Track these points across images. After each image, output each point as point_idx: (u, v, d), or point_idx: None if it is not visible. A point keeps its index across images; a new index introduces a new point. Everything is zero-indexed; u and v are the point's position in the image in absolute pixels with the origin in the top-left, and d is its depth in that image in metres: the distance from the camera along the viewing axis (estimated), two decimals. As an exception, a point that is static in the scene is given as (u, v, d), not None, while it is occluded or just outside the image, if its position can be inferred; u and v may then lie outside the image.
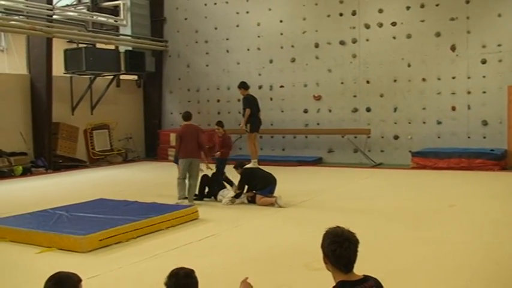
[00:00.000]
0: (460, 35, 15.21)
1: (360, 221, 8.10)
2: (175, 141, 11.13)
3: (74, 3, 19.02)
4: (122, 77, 19.42)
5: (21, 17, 15.96)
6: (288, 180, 12.15)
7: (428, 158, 14.73)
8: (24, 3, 15.83)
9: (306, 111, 17.48)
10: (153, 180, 13.74)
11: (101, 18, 18.64)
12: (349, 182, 12.90)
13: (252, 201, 10.28)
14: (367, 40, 16.40)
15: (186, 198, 10.32)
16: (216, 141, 12.14)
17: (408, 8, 15.83)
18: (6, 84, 16.08)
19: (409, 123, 16.02)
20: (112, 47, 18.56)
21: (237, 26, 18.54)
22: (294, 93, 17.62)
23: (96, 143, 18.29)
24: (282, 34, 17.72)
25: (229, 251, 7.12)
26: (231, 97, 18.54)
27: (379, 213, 9.19)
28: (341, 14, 16.73)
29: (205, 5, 19.12)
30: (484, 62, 14.96)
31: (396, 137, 16.22)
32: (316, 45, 17.16)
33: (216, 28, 18.95)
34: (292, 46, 17.57)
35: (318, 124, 17.31)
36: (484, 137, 15.06)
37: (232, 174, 10.81)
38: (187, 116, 11.02)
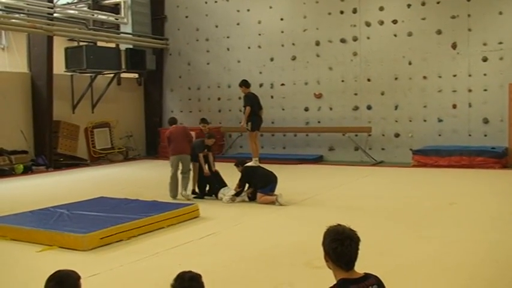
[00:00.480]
0: (461, 32, 15.19)
1: (361, 219, 8.09)
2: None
3: (75, 1, 19.01)
4: (123, 75, 19.43)
5: (22, 15, 15.96)
6: (289, 179, 12.14)
7: (429, 156, 14.72)
8: (25, 1, 15.83)
9: (306, 109, 17.47)
10: (154, 179, 13.74)
11: (102, 16, 18.63)
12: (350, 180, 12.90)
13: (252, 198, 10.28)
14: (368, 38, 16.38)
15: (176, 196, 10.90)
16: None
17: (409, 5, 15.80)
18: (7, 83, 16.09)
19: (410, 121, 16.01)
20: (113, 45, 18.56)
21: (238, 24, 18.53)
22: (295, 91, 17.62)
23: (96, 141, 18.30)
24: (282, 32, 17.70)
25: (230, 249, 7.12)
26: (231, 95, 18.53)
27: (380, 211, 9.19)
28: (342, 12, 16.71)
29: (206, 3, 19.11)
30: (485, 59, 14.94)
31: (397, 135, 16.21)
32: (317, 43, 17.14)
33: (216, 26, 18.94)
34: (293, 44, 17.56)
35: (318, 122, 17.31)
36: (485, 135, 15.05)
37: (233, 172, 10.80)
38: (172, 121, 11.77)
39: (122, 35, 18.88)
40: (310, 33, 17.24)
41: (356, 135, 16.66)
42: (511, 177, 12.83)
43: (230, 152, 18.22)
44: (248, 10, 18.31)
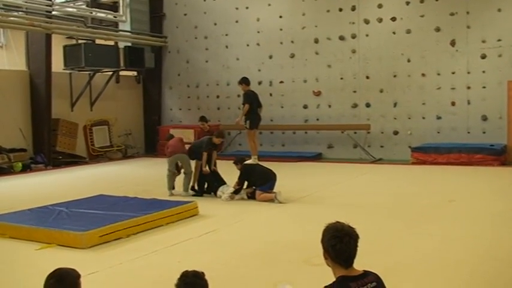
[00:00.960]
0: (459, 30, 15.19)
1: (360, 216, 8.09)
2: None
3: (73, -1, 18.99)
4: (121, 73, 19.40)
5: (20, 13, 15.91)
6: (288, 176, 12.14)
7: (428, 153, 14.73)
8: (23, -1, 15.81)
9: (305, 106, 17.47)
10: (153, 176, 13.73)
11: (100, 14, 18.60)
12: (349, 178, 12.90)
13: (251, 197, 10.29)
14: (367, 35, 16.38)
15: (173, 188, 11.12)
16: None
17: (408, 3, 15.80)
18: (5, 81, 16.06)
19: (409, 118, 16.01)
20: (111, 43, 18.53)
21: (237, 21, 18.52)
22: (294, 88, 17.61)
23: (95, 139, 18.29)
24: (281, 30, 17.69)
25: (229, 246, 7.12)
26: (230, 93, 18.53)
27: (379, 208, 9.20)
28: (340, 9, 16.70)
29: (205, 0, 19.09)
30: (483, 57, 14.95)
31: (396, 133, 16.21)
32: (316, 41, 17.13)
33: (215, 24, 18.93)
34: (292, 42, 17.55)
35: (317, 120, 17.31)
36: (484, 132, 15.06)
37: (231, 169, 10.80)
38: (169, 138, 11.84)
39: (120, 32, 18.86)
40: (309, 31, 17.23)
41: (355, 133, 16.66)
42: (509, 174, 12.84)
43: (229, 150, 18.22)
44: (247, 8, 18.30)
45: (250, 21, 18.23)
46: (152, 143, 19.79)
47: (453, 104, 15.41)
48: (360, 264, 3.06)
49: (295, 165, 15.26)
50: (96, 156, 18.21)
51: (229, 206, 9.95)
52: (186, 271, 3.19)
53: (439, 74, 15.53)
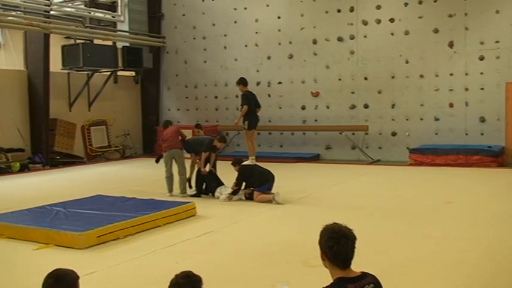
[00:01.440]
0: (458, 31, 15.21)
1: (358, 217, 8.10)
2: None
3: (71, -1, 18.99)
4: (120, 73, 19.40)
5: (18, 12, 15.91)
6: (286, 177, 12.15)
7: (426, 155, 14.74)
8: (22, -1, 15.80)
9: (303, 107, 17.48)
10: (151, 177, 13.72)
11: (99, 14, 18.60)
12: (347, 179, 12.91)
13: (249, 198, 10.28)
14: (365, 36, 16.39)
15: (172, 191, 11.05)
16: None
17: (406, 4, 15.81)
18: (3, 80, 16.05)
19: (407, 119, 16.02)
20: (109, 43, 18.53)
21: (235, 22, 18.52)
22: (292, 89, 17.62)
23: (93, 139, 18.28)
24: (279, 30, 17.70)
25: (227, 247, 7.12)
26: (228, 93, 18.54)
27: (377, 209, 9.20)
28: (339, 11, 16.71)
29: (203, 1, 19.09)
30: (482, 58, 14.97)
31: (394, 134, 16.22)
32: (314, 42, 17.14)
33: (213, 24, 18.93)
34: (290, 42, 17.56)
35: (315, 121, 17.32)
36: (482, 134, 15.08)
37: (229, 170, 10.79)
38: (166, 125, 11.76)
39: (118, 33, 18.86)
40: (307, 32, 17.24)
41: (353, 134, 16.68)
42: (507, 175, 12.85)
43: (227, 151, 18.18)
44: (245, 8, 18.30)
45: (248, 22, 18.24)
46: (150, 143, 19.77)
47: (451, 105, 15.43)
48: (358, 265, 3.06)
49: (293, 166, 15.26)
50: (94, 156, 18.20)
51: (227, 206, 9.95)
52: (183, 271, 3.19)
53: (437, 76, 15.55)
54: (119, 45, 18.46)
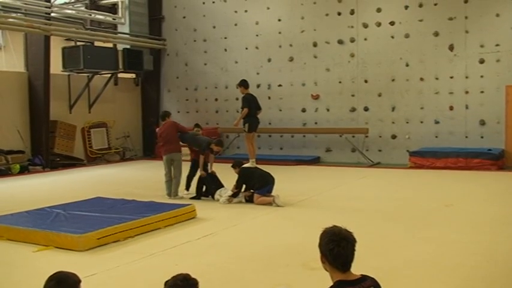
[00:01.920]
0: (458, 34, 15.22)
1: (358, 220, 8.10)
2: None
3: (72, 1, 19.00)
4: (120, 75, 19.41)
5: (19, 14, 15.94)
6: (286, 180, 12.15)
7: (426, 158, 14.74)
8: (23, 0, 15.81)
9: (304, 110, 17.49)
10: (151, 179, 13.73)
11: (99, 16, 18.62)
12: (347, 182, 12.90)
13: (249, 200, 10.28)
14: (365, 39, 16.40)
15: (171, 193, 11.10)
16: None
17: (406, 7, 15.83)
18: (3, 82, 16.06)
19: (407, 122, 16.03)
20: (110, 45, 18.53)
21: (236, 24, 18.54)
22: (292, 92, 17.63)
23: (93, 141, 18.28)
24: (280, 33, 17.72)
25: (227, 250, 7.12)
26: (229, 96, 18.55)
27: (377, 212, 9.20)
28: (339, 13, 16.73)
29: (204, 3, 19.12)
30: (482, 61, 14.97)
31: (394, 137, 16.23)
32: (315, 44, 17.16)
33: (214, 27, 18.95)
34: (291, 45, 17.57)
35: (316, 123, 17.32)
36: (482, 137, 15.08)
37: (229, 172, 10.79)
38: (163, 116, 11.77)
39: (119, 35, 18.88)
40: (308, 35, 17.26)
41: (353, 137, 16.68)
42: (507, 178, 12.85)
43: (227, 153, 18.21)
44: (246, 11, 18.32)
45: (249, 24, 18.25)
46: (150, 145, 19.78)
47: (451, 108, 15.43)
48: (358, 268, 3.06)
49: (293, 169, 15.26)
50: (94, 158, 18.20)
51: (227, 209, 9.95)
52: (176, 275, 3.20)
53: (437, 79, 15.55)
54: (120, 47, 18.48)
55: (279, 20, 17.74)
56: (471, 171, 13.84)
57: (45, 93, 16.37)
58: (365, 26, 16.38)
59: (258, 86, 17.62)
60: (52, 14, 16.85)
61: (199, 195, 10.94)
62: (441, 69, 15.48)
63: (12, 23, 15.63)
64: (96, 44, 18.24)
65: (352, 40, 16.59)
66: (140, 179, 14.45)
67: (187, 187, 11.34)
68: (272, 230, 8.33)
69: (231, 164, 10.86)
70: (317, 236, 3.07)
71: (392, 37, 16.04)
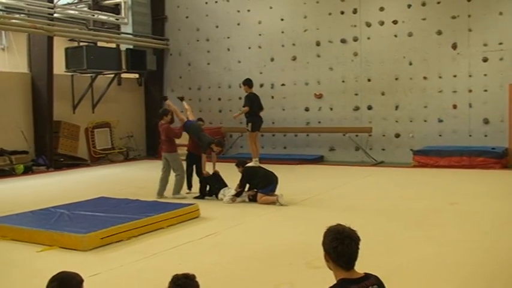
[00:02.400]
0: (461, 33, 15.19)
1: (361, 219, 8.09)
2: None
3: (75, 1, 19.01)
4: (123, 75, 19.43)
5: (22, 15, 15.97)
6: (290, 179, 12.15)
7: (430, 156, 14.72)
8: (25, 1, 15.83)
9: (307, 109, 17.48)
10: (154, 179, 13.68)
11: (102, 16, 18.64)
12: (351, 181, 12.89)
13: (253, 199, 10.28)
14: (369, 38, 16.38)
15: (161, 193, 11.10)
16: None
17: (409, 6, 15.80)
18: (7, 83, 16.09)
19: (411, 121, 16.00)
20: (113, 45, 18.56)
21: (238, 24, 18.54)
22: (295, 91, 17.62)
23: (97, 141, 18.30)
24: (283, 32, 17.71)
25: (230, 249, 7.12)
26: (232, 95, 18.55)
27: (381, 211, 9.19)
28: (342, 12, 16.71)
29: (206, 3, 19.12)
30: (485, 60, 14.94)
31: (397, 135, 16.20)
32: (318, 44, 17.15)
33: (217, 26, 18.95)
34: (294, 44, 17.56)
35: (319, 122, 17.31)
36: (486, 135, 15.05)
37: (233, 172, 10.79)
38: (160, 115, 11.87)
39: (122, 35, 18.90)
40: (311, 34, 17.25)
41: (356, 136, 16.66)
42: (511, 177, 12.82)
43: (230, 152, 18.22)
44: (248, 10, 18.32)
45: (251, 24, 18.25)
46: (154, 145, 19.78)
47: (455, 107, 15.41)
48: (361, 266, 3.06)
49: (297, 168, 15.25)
50: (98, 158, 18.22)
51: (231, 208, 9.95)
52: (177, 274, 3.20)
53: (440, 77, 15.52)
54: (123, 47, 18.50)
55: (282, 20, 17.72)
56: (475, 169, 13.81)
57: (49, 93, 16.40)
58: (368, 25, 16.36)
59: (261, 85, 17.60)
60: (55, 15, 16.87)
61: (202, 195, 10.94)
62: (444, 68, 15.45)
63: (15, 24, 15.65)
64: (99, 44, 18.25)
65: (355, 39, 16.57)
66: (144, 178, 14.44)
67: (189, 186, 11.33)
68: (275, 229, 8.33)
69: (235, 163, 10.85)
70: (320, 235, 3.07)
71: (396, 36, 16.02)
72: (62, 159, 16.93)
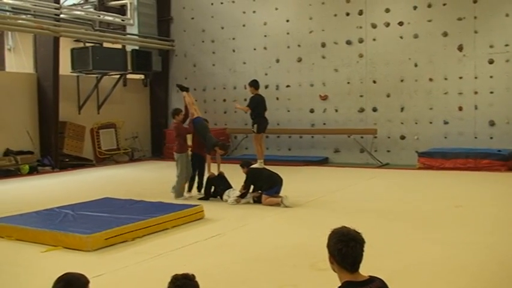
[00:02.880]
0: (467, 35, 15.14)
1: (366, 221, 8.07)
2: None
3: (81, 2, 19.06)
4: (129, 76, 19.46)
5: (28, 16, 16.02)
6: (294, 180, 12.13)
7: (435, 158, 14.67)
8: (32, 2, 15.87)
9: (312, 111, 17.46)
10: (159, 179, 13.75)
11: (108, 17, 18.69)
12: (355, 182, 12.87)
13: (257, 201, 10.27)
14: (374, 40, 16.36)
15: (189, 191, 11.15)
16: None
17: (415, 7, 15.77)
18: (13, 83, 16.14)
19: (416, 123, 15.96)
20: (119, 46, 18.59)
21: (244, 25, 18.54)
22: (300, 93, 17.60)
23: (102, 142, 18.33)
24: (288, 34, 17.70)
25: (235, 250, 7.12)
26: (237, 96, 18.52)
27: (385, 213, 9.16)
28: (348, 14, 16.69)
29: (212, 4, 19.13)
30: (491, 62, 14.89)
31: (403, 137, 16.17)
32: (323, 45, 17.13)
33: (222, 27, 18.96)
34: (299, 46, 17.55)
35: (324, 124, 17.28)
36: (491, 138, 15.00)
37: (237, 173, 10.79)
38: (172, 114, 11.69)
39: (128, 36, 18.93)
40: (316, 35, 17.23)
41: (361, 137, 16.63)
42: (517, 180, 12.77)
43: (235, 154, 18.22)
44: (254, 12, 18.32)
45: (257, 25, 18.25)
46: (159, 146, 19.82)
47: (460, 109, 15.36)
48: (366, 269, 3.05)
49: (302, 170, 15.24)
50: (103, 159, 18.25)
51: (235, 209, 9.94)
52: (176, 274, 3.20)
53: (446, 79, 15.48)
54: (128, 48, 18.53)
55: (287, 21, 17.72)
56: (480, 172, 13.75)
57: (54, 94, 16.44)
58: (373, 26, 16.34)
59: (266, 86, 17.59)
60: (61, 16, 16.89)
61: (207, 196, 10.94)
62: (450, 70, 15.41)
63: (21, 25, 15.70)
64: (105, 45, 18.29)
65: (361, 40, 16.55)
66: (149, 179, 14.48)
67: (189, 188, 11.31)
68: (280, 230, 8.32)
69: (239, 164, 10.84)
70: (325, 237, 3.06)
71: (401, 37, 15.99)
72: (67, 160, 16.97)
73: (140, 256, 6.78)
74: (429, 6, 15.56)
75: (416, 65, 15.81)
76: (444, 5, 15.36)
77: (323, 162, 16.82)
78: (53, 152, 16.43)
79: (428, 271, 6.04)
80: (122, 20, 18.87)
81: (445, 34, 15.38)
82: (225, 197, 10.67)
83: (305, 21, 17.40)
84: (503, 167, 13.87)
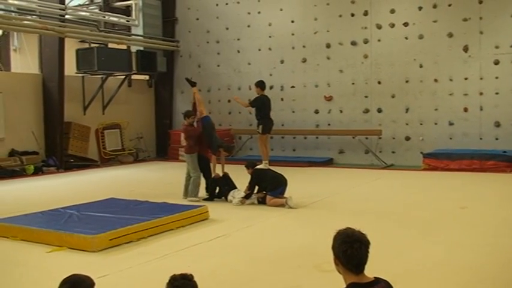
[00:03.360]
0: (472, 35, 15.10)
1: (371, 222, 8.06)
2: None
3: (86, 3, 19.12)
4: (134, 77, 19.49)
5: (33, 16, 16.06)
6: (299, 181, 12.12)
7: (440, 160, 14.62)
8: (37, 3, 15.92)
9: (316, 111, 17.44)
10: (164, 180, 13.76)
11: (113, 18, 18.72)
12: (360, 183, 12.85)
13: (262, 202, 10.26)
14: (379, 40, 16.33)
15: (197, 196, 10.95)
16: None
17: (420, 8, 15.74)
18: (18, 84, 16.18)
19: (421, 124, 15.93)
20: (124, 47, 18.63)
21: (248, 26, 18.54)
22: (305, 93, 17.59)
23: (107, 142, 18.35)
24: (293, 34, 17.70)
25: (239, 251, 7.11)
26: (242, 97, 18.40)
27: (390, 214, 9.14)
28: (353, 14, 16.67)
29: (217, 5, 19.14)
30: (496, 62, 14.85)
31: (408, 138, 16.13)
32: (328, 46, 17.11)
33: (227, 28, 18.97)
34: (304, 46, 17.54)
35: (328, 125, 17.27)
36: (497, 139, 14.95)
37: (242, 174, 10.79)
38: (184, 116, 11.59)
39: (133, 37, 18.96)
40: (321, 36, 17.22)
41: (366, 138, 16.60)
42: (522, 181, 12.73)
43: (240, 154, 18.21)
44: (259, 12, 18.32)
45: (262, 26, 18.25)
46: (163, 147, 19.84)
47: (465, 110, 15.32)
48: (371, 270, 3.04)
49: (306, 170, 15.22)
50: (108, 159, 18.28)
51: (240, 210, 9.94)
52: (174, 274, 3.20)
53: (451, 80, 15.44)
54: (133, 49, 18.55)
55: (292, 22, 17.71)
56: (486, 173, 13.71)
57: (60, 94, 16.46)
58: (378, 27, 16.31)
59: (271, 87, 17.58)
60: (66, 16, 16.92)
61: (212, 197, 10.94)
62: (455, 71, 15.37)
63: (27, 25, 15.74)
64: (110, 45, 18.33)
65: (366, 41, 16.52)
66: (153, 180, 14.49)
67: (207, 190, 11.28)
68: (284, 231, 8.32)
69: (244, 165, 10.84)
70: (330, 238, 3.06)
71: (406, 38, 15.95)
72: (72, 160, 16.99)
73: (145, 257, 6.79)
74: (434, 6, 15.53)
75: (421, 66, 15.78)
76: (449, 5, 15.33)
77: (328, 163, 16.80)
78: (58, 152, 16.46)
79: (433, 272, 6.01)
80: (127, 21, 18.90)
81: (450, 35, 15.34)
82: (229, 197, 10.67)
83: (310, 22, 17.39)
84: (509, 168, 13.82)
